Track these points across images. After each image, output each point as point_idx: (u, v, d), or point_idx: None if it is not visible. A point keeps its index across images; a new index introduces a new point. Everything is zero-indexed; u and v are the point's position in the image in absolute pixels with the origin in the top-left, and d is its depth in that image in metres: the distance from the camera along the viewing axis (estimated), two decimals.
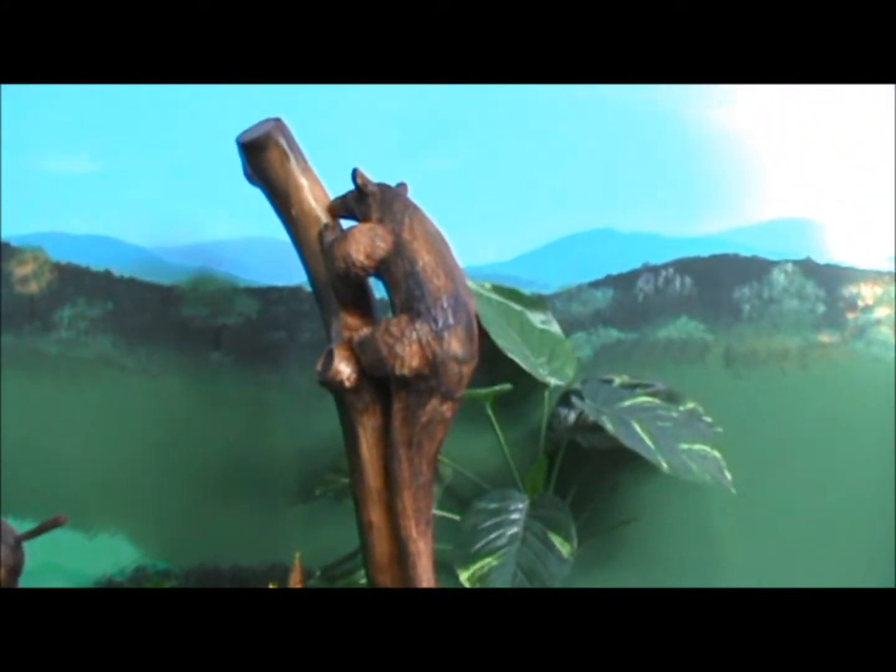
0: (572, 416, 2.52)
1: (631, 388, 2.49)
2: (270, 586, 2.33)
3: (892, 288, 2.71)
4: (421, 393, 1.88)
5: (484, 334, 2.41)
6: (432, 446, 1.94)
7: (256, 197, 2.09)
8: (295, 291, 2.64)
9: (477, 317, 2.00)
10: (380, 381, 1.94)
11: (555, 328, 2.60)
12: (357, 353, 1.93)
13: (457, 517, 2.39)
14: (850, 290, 2.71)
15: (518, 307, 2.58)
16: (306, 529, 2.65)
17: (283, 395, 2.67)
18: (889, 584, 2.68)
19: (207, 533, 2.69)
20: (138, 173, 2.65)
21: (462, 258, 2.11)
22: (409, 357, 1.85)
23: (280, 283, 2.67)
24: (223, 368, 2.70)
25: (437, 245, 1.92)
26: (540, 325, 2.58)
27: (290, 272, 2.17)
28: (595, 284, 2.69)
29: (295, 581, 2.37)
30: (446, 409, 1.91)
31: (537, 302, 2.63)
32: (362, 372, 1.94)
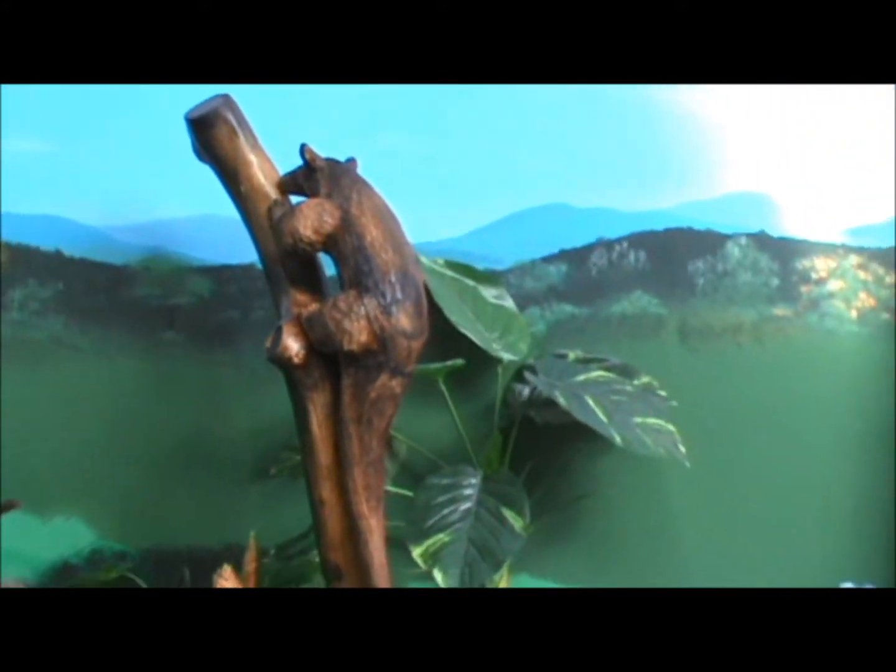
0: (526, 392, 2.51)
1: (585, 363, 2.48)
2: (226, 567, 2.30)
3: (846, 261, 2.71)
4: (370, 369, 1.87)
5: (436, 310, 2.42)
6: (382, 422, 1.93)
7: (208, 174, 2.07)
8: (248, 270, 2.61)
9: (427, 292, 1.99)
10: (329, 358, 1.93)
11: (508, 303, 2.59)
12: (306, 329, 1.91)
13: (411, 494, 2.37)
14: (803, 264, 2.72)
15: (471, 283, 2.57)
16: (262, 508, 2.63)
17: (237, 375, 2.65)
18: (844, 555, 2.70)
19: (163, 514, 2.67)
20: (88, 152, 2.62)
21: (415, 234, 2.10)
22: (357, 332, 1.84)
23: (233, 261, 2.65)
24: (176, 348, 2.67)
25: (386, 220, 1.91)
26: (493, 301, 2.57)
27: (243, 250, 2.14)
28: (549, 259, 2.68)
29: (250, 561, 2.35)
30: (396, 384, 1.90)
31: (490, 277, 2.62)
32: (311, 348, 1.92)
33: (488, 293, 2.57)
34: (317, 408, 1.97)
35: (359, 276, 1.86)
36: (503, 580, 2.52)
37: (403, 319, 1.86)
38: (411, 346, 1.89)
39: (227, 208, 2.06)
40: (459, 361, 2.38)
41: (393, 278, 1.85)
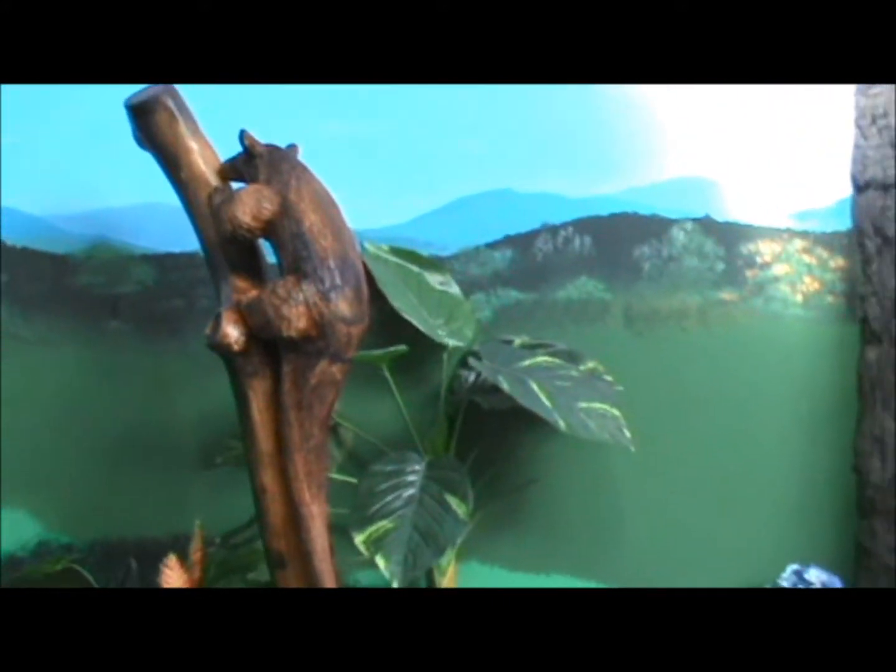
0: (472, 378, 2.51)
1: (531, 348, 2.48)
2: (171, 557, 2.29)
3: (791, 245, 2.72)
4: (309, 355, 1.87)
5: (380, 297, 2.41)
6: (323, 409, 1.93)
7: (150, 163, 2.05)
8: (192, 258, 2.59)
9: (370, 278, 1.98)
10: (269, 345, 1.92)
11: (453, 290, 2.59)
12: (245, 316, 1.91)
13: (356, 481, 2.36)
14: (749, 248, 2.72)
15: (416, 269, 2.56)
16: (209, 498, 2.62)
17: (182, 363, 2.63)
18: (790, 538, 2.71)
19: (110, 505, 2.66)
20: (30, 141, 2.59)
21: (359, 221, 2.10)
22: (295, 318, 1.83)
23: (177, 249, 2.63)
24: (121, 337, 2.66)
25: (325, 206, 1.90)
26: (438, 287, 2.56)
27: (187, 238, 2.12)
28: (494, 245, 2.67)
29: (195, 550, 2.34)
30: (336, 370, 1.90)
31: (435, 264, 2.61)
32: (251, 335, 1.92)
33: (433, 279, 2.57)
34: (257, 395, 1.96)
35: (297, 262, 1.85)
36: (451, 567, 2.52)
37: (343, 305, 1.85)
38: (351, 332, 1.88)
39: (170, 196, 2.05)
40: (402, 347, 2.37)
41: (332, 264, 1.85)
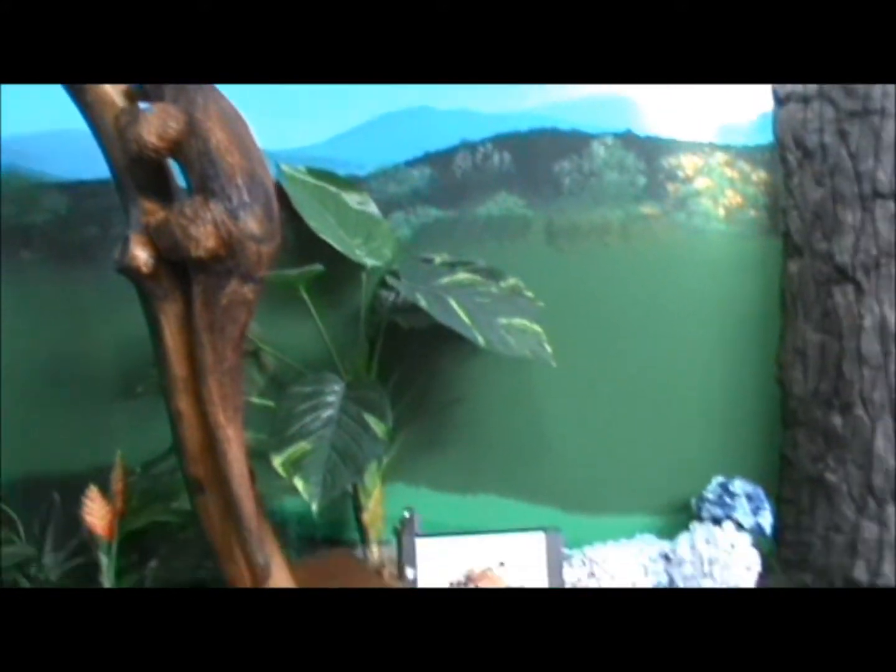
0: (393, 298, 2.49)
1: (450, 266, 2.46)
2: (92, 488, 2.27)
3: (713, 159, 2.71)
4: (219, 275, 1.83)
5: (298, 218, 2.38)
6: (236, 330, 1.89)
7: (57, 87, 1.98)
8: (105, 185, 2.48)
9: (285, 198, 1.94)
10: (179, 267, 1.88)
11: (371, 209, 2.56)
12: (153, 238, 1.86)
13: None
14: (670, 162, 2.71)
15: (333, 189, 2.53)
16: (130, 428, 2.59)
17: (98, 292, 2.59)
18: (714, 450, 2.74)
19: (31, 440, 2.63)
20: None
21: (275, 142, 2.07)
22: (203, 238, 1.79)
23: (89, 176, 2.57)
24: (35, 267, 2.61)
25: (232, 123, 1.85)
26: (356, 207, 2.53)
27: (99, 165, 2.07)
28: (412, 164, 2.64)
29: (116, 480, 2.32)
30: (248, 291, 1.86)
31: (353, 183, 2.58)
32: (161, 258, 1.87)
33: (351, 199, 2.53)
34: (169, 318, 1.92)
35: (204, 180, 1.81)
36: (377, 489, 2.52)
37: (252, 223, 1.81)
38: (261, 250, 1.84)
39: (80, 122, 1.99)
40: (318, 267, 2.34)
41: (239, 182, 1.80)
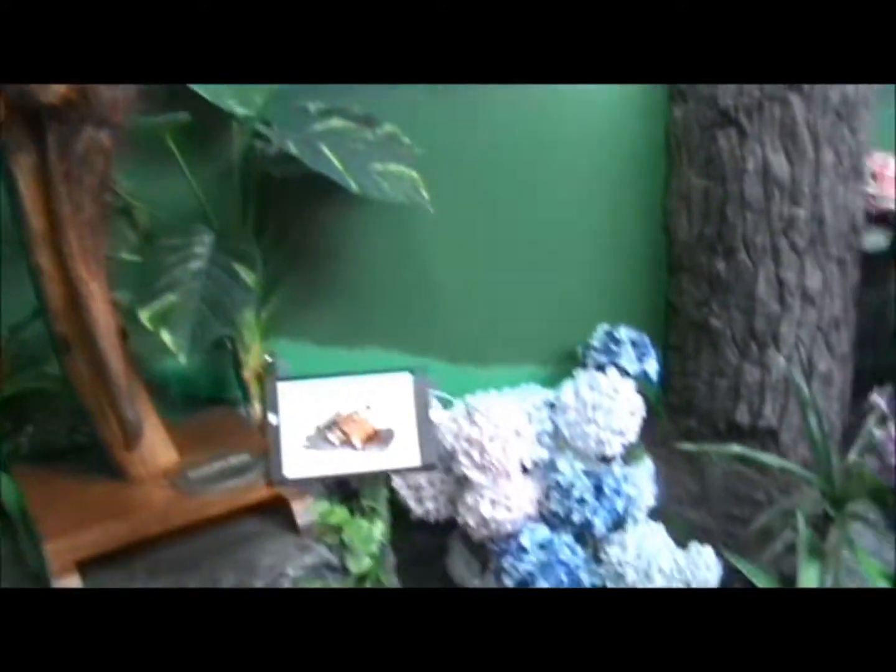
0: (267, 149, 2.40)
1: (325, 113, 2.37)
2: None
3: None
4: (73, 122, 1.76)
5: None
6: (93, 179, 1.82)
7: None
8: None
9: None
10: (33, 117, 1.79)
11: None
12: (2, 88, 1.77)
13: None
14: None
15: None
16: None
17: None
18: (596, 299, 2.74)
19: None
20: None
21: None
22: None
23: None
24: None
25: None
26: None
27: None
28: None
29: None
30: (104, 137, 1.79)
31: None
32: (11, 107, 1.78)
33: None
34: (23, 170, 1.84)
35: None
36: (256, 345, 2.47)
37: None
38: (116, 95, 1.76)
39: None
40: (184, 115, 2.23)
41: None
